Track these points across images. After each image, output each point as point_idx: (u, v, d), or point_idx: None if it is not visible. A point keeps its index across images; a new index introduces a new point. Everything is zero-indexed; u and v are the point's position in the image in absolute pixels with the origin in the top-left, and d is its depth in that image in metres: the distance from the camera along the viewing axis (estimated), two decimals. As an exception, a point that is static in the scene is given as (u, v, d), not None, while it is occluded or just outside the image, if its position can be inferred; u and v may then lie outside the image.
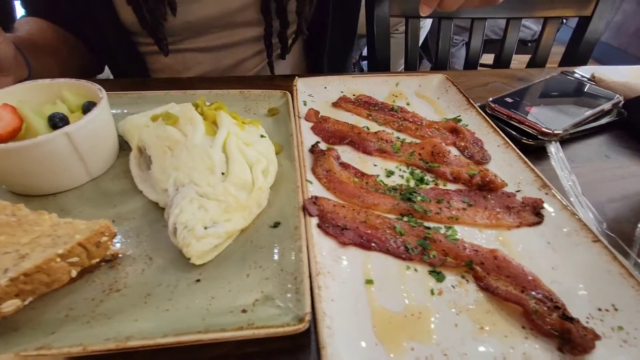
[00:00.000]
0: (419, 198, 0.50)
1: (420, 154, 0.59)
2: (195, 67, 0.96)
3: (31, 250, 0.33)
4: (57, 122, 0.49)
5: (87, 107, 0.52)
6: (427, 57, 2.29)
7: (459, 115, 0.70)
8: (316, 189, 0.52)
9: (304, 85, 0.77)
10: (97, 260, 0.37)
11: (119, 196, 0.51)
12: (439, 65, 1.18)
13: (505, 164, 0.58)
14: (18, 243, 0.34)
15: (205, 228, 0.42)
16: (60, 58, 0.83)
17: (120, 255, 0.41)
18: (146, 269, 0.41)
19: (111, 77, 1.10)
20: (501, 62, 1.22)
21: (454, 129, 0.65)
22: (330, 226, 0.45)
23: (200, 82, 0.85)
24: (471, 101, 0.72)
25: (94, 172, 0.53)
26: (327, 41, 1.01)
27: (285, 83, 0.84)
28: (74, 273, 0.35)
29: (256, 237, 0.45)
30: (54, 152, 0.46)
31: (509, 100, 0.72)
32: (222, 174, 0.47)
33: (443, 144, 0.59)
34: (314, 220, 0.45)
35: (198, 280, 0.40)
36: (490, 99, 0.72)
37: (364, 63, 2.39)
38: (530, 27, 2.48)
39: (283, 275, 0.40)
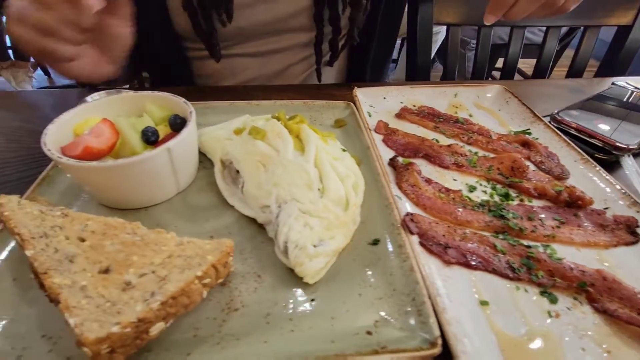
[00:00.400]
0: (510, 215, 0.50)
1: (499, 169, 0.59)
2: (242, 73, 0.97)
3: (168, 272, 0.33)
4: (149, 136, 0.50)
5: (175, 121, 0.53)
6: (441, 60, 2.29)
7: (528, 129, 0.69)
8: (405, 205, 0.52)
9: (363, 96, 0.77)
10: (222, 280, 0.37)
11: (209, 210, 0.51)
12: (477, 77, 1.18)
13: (585, 179, 0.57)
14: (152, 264, 0.34)
15: (314, 246, 0.42)
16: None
17: (230, 273, 0.41)
18: (258, 287, 0.41)
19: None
20: (540, 68, 1.21)
21: (526, 143, 0.65)
22: (434, 244, 0.45)
23: (256, 90, 0.85)
24: (537, 114, 0.71)
25: (182, 186, 0.53)
26: (373, 48, 1.01)
27: (340, 92, 0.85)
28: (205, 294, 0.35)
29: (357, 255, 0.45)
30: (155, 167, 0.46)
31: (574, 112, 0.72)
32: (319, 190, 0.47)
33: (522, 159, 0.59)
34: (415, 238, 0.45)
35: (312, 300, 0.40)
36: (556, 110, 0.72)
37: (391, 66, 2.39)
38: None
39: (397, 296, 0.39)
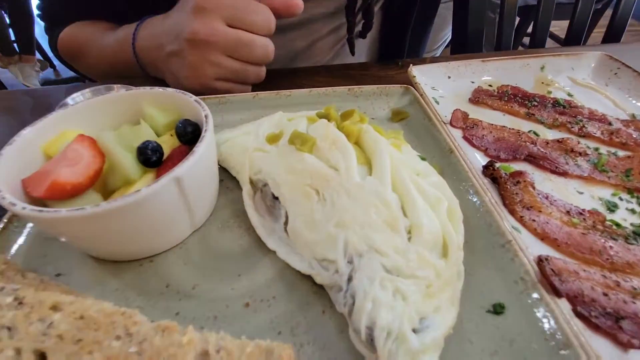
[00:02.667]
0: (691, 251, 0.33)
1: (643, 174, 0.41)
2: None
3: None
4: (149, 155, 0.34)
5: (184, 129, 0.37)
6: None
7: (662, 111, 0.51)
8: (523, 238, 0.35)
9: (422, 75, 0.59)
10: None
11: (239, 258, 0.35)
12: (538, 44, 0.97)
13: None
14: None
15: (415, 331, 0.26)
16: None
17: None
18: (329, 401, 0.26)
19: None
20: (574, 31, 0.99)
21: (666, 131, 0.47)
22: (599, 315, 0.28)
23: (282, 74, 0.69)
24: (669, 89, 0.52)
25: (198, 222, 0.37)
26: (414, 15, 0.82)
27: (384, 72, 0.67)
28: None
29: (475, 333, 0.29)
30: (160, 206, 0.31)
31: None
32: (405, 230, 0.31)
33: (680, 159, 0.41)
34: (564, 303, 0.29)
35: (421, 423, 0.24)
36: (696, 84, 0.53)
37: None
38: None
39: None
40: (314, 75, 0.70)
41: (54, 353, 0.22)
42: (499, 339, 0.28)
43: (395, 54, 0.87)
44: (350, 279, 0.28)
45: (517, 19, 1.08)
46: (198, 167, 0.33)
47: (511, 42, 0.99)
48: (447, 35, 1.24)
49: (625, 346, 0.27)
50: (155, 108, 0.40)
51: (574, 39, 0.97)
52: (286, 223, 0.34)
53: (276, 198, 0.36)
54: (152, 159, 0.34)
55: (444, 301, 0.28)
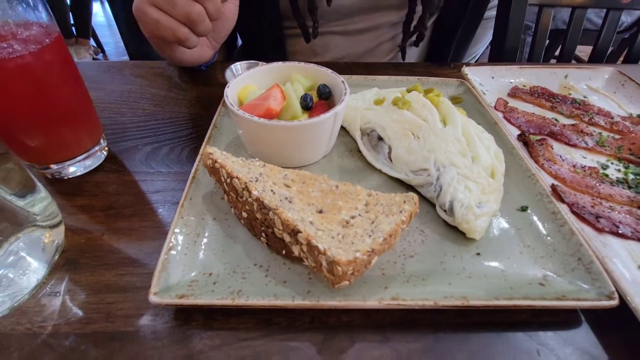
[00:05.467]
0: (652, 192, 0.51)
1: (630, 149, 0.60)
2: (333, 50, 1.00)
3: (375, 216, 0.38)
4: (308, 102, 0.55)
5: (324, 89, 0.57)
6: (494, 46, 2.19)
7: (653, 111, 0.69)
8: (543, 177, 0.54)
9: (472, 74, 0.78)
10: (406, 227, 0.42)
11: (356, 172, 0.56)
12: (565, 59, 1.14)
13: None
14: (356, 208, 0.39)
15: (477, 207, 0.45)
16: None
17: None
18: (425, 240, 0.45)
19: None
20: (597, 55, 1.16)
21: (653, 125, 0.65)
22: (585, 213, 0.47)
23: (357, 67, 0.89)
24: (661, 97, 0.70)
25: (327, 150, 0.58)
26: (461, 28, 1.00)
27: (438, 71, 0.86)
28: (398, 238, 0.40)
29: (510, 219, 0.48)
30: (322, 129, 0.51)
31: (702, 97, 0.70)
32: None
33: (656, 140, 0.59)
34: (565, 207, 0.48)
35: (478, 254, 0.44)
36: (682, 95, 0.70)
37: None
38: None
39: (559, 256, 0.43)
40: (384, 69, 0.90)
41: (293, 185, 0.42)
42: (524, 223, 0.47)
43: (440, 59, 1.06)
44: (438, 178, 0.48)
45: (547, 41, 1.26)
46: (342, 109, 0.53)
47: (540, 61, 1.17)
48: (480, 50, 1.42)
49: (599, 231, 0.46)
50: (300, 75, 0.61)
51: (596, 62, 1.14)
52: (390, 152, 0.54)
53: (380, 139, 0.56)
54: (309, 104, 0.55)
55: (492, 199, 0.48)
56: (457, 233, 0.46)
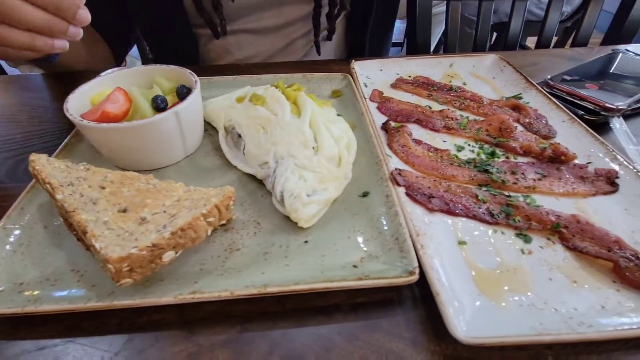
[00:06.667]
0: (494, 170, 0.53)
1: (487, 130, 0.62)
2: (246, 49, 1.00)
3: (177, 211, 0.38)
4: (159, 103, 0.54)
5: (181, 90, 0.57)
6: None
7: (519, 94, 0.71)
8: (394, 163, 0.55)
9: (361, 68, 0.80)
10: (224, 222, 0.42)
11: (214, 171, 0.56)
12: (478, 49, 1.18)
13: (572, 138, 0.60)
14: (164, 205, 0.39)
15: (308, 196, 0.46)
16: (88, 46, 0.86)
17: (233, 220, 0.46)
18: (257, 232, 0.45)
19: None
20: (542, 44, 1.21)
21: (516, 107, 0.67)
22: (418, 194, 0.48)
23: (258, 67, 0.89)
24: (530, 79, 0.73)
25: (189, 150, 0.58)
26: (371, 22, 1.02)
27: (338, 67, 0.88)
28: (209, 232, 0.40)
29: (348, 205, 0.49)
30: (164, 130, 0.51)
31: (567, 77, 0.73)
32: (313, 148, 0.51)
33: (510, 120, 0.61)
34: (401, 190, 0.49)
35: (306, 242, 0.44)
36: (549, 76, 0.74)
37: (393, 50, 2.39)
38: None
39: (382, 237, 0.44)
40: (286, 68, 0.90)
41: (109, 186, 0.41)
42: (362, 207, 0.48)
43: (358, 55, 1.08)
44: (274, 170, 0.48)
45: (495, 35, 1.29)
46: (189, 109, 0.53)
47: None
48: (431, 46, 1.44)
49: (431, 210, 0.47)
50: (162, 78, 0.60)
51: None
52: (244, 148, 0.55)
53: (239, 136, 0.57)
54: (160, 106, 0.54)
55: (331, 187, 0.49)
56: (291, 223, 0.46)
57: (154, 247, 0.34)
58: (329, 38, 1.01)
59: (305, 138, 0.51)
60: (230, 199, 0.41)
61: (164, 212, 0.38)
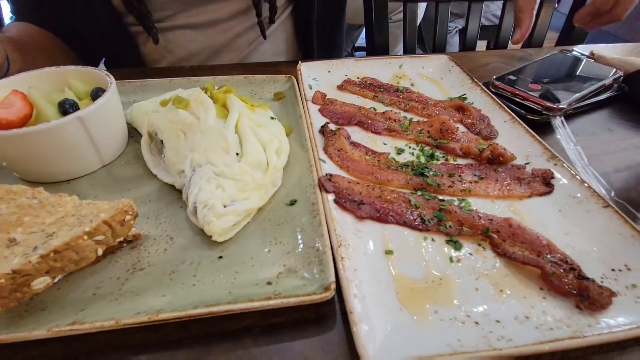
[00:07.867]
0: (431, 173, 0.51)
1: (429, 132, 0.60)
2: (187, 46, 0.94)
3: (58, 229, 0.34)
4: (67, 108, 0.49)
5: (96, 94, 0.52)
6: (421, 45, 2.28)
7: (464, 94, 0.70)
8: (329, 167, 0.52)
9: (308, 70, 0.77)
10: (121, 239, 0.37)
11: (133, 181, 0.51)
12: (437, 51, 1.18)
13: (513, 138, 0.58)
14: (43, 223, 0.34)
15: (225, 206, 0.42)
16: (51, 56, 0.82)
17: (141, 236, 0.42)
18: (168, 249, 0.41)
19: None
20: (499, 45, 1.22)
21: (460, 107, 0.66)
22: (347, 201, 0.45)
23: (203, 70, 0.85)
24: (475, 80, 0.72)
25: (105, 159, 0.53)
26: (315, 15, 0.98)
27: (286, 69, 0.84)
28: (99, 251, 0.35)
29: (274, 214, 0.45)
30: (68, 137, 0.46)
31: (512, 77, 0.73)
32: (237, 154, 0.47)
33: (451, 121, 0.60)
34: (331, 197, 0.46)
35: (221, 257, 0.40)
36: (494, 77, 0.73)
37: (358, 54, 2.38)
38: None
39: (304, 249, 0.40)
40: (232, 70, 0.86)
41: (-15, 203, 0.36)
42: (287, 217, 0.45)
43: (306, 54, 1.04)
44: (190, 179, 0.44)
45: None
46: (99, 113, 0.48)
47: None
48: (400, 51, 1.42)
49: (360, 218, 0.44)
50: (78, 80, 0.55)
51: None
52: (165, 156, 0.50)
53: (162, 142, 0.52)
54: (69, 110, 0.49)
55: (254, 195, 0.45)
56: (208, 238, 0.42)
57: (14, 274, 0.29)
58: (271, 20, 0.95)
59: (227, 143, 0.47)
60: (126, 213, 0.37)
61: (42, 231, 0.33)
